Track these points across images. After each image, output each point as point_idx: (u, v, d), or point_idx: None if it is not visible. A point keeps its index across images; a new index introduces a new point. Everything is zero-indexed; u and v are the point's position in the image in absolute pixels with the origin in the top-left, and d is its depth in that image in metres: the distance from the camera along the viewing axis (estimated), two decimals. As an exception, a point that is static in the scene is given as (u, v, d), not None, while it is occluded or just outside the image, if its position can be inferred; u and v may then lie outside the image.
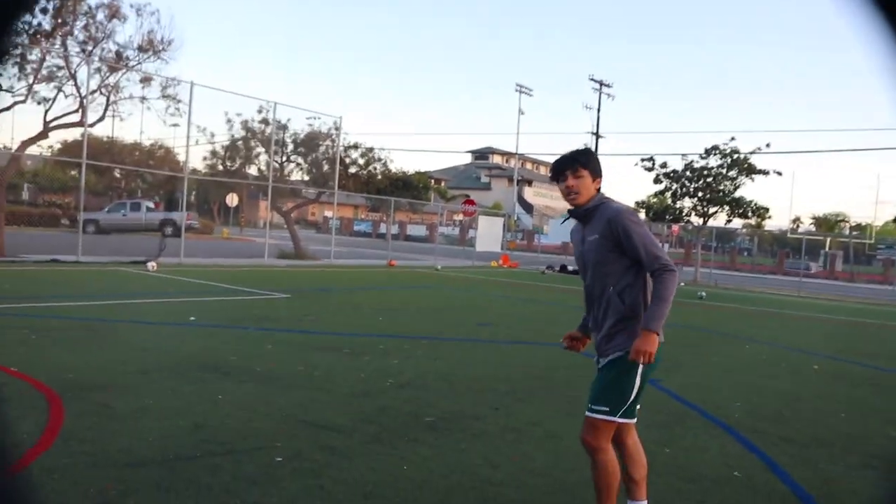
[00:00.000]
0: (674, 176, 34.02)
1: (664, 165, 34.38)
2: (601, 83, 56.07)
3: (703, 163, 33.59)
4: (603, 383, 3.61)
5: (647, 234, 3.56)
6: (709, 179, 33.16)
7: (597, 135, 55.55)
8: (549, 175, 3.86)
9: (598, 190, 3.72)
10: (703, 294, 23.56)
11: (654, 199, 38.52)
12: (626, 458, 3.82)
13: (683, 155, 36.33)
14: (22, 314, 9.99)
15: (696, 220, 34.73)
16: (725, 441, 6.05)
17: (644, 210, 39.85)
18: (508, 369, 8.47)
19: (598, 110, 56.14)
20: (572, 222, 3.89)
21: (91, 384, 6.30)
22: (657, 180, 34.58)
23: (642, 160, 34.71)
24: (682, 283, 30.26)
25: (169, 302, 12.76)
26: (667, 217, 35.58)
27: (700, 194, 33.45)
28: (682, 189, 33.94)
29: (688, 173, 33.62)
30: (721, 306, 21.00)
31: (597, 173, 3.69)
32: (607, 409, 3.58)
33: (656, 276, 3.50)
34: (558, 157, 3.75)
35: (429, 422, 5.90)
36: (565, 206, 3.74)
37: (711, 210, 33.59)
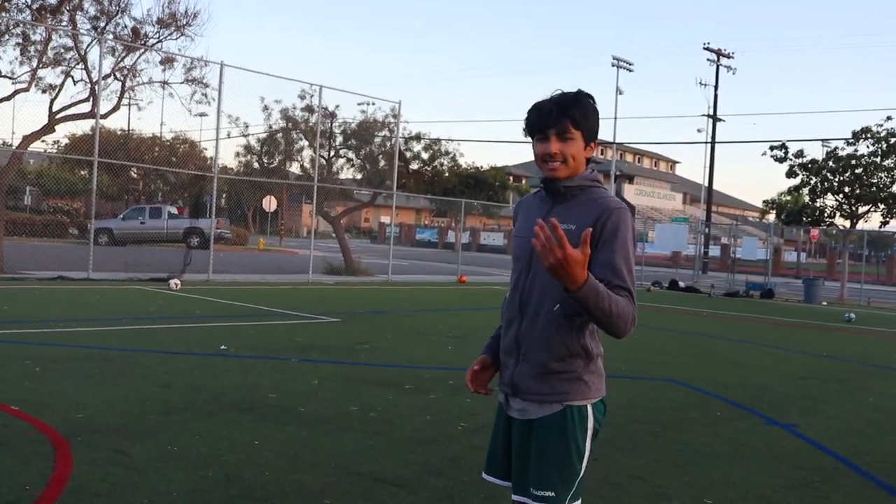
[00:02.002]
0: (813, 167, 33.35)
1: (800, 154, 33.75)
2: (718, 53, 55.35)
3: (850, 150, 32.86)
4: (543, 454, 3.02)
5: (632, 250, 2.99)
6: (858, 171, 32.38)
7: (714, 117, 54.83)
8: (524, 128, 3.17)
9: (590, 160, 3.15)
10: (852, 316, 22.98)
11: (788, 197, 37.80)
12: None
13: (824, 141, 35.59)
14: (24, 342, 10.27)
15: (842, 223, 33.94)
16: None
17: (774, 210, 39.13)
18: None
19: (716, 87, 55.44)
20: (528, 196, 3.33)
21: (105, 426, 6.42)
22: (791, 173, 33.95)
23: (772, 148, 34.15)
24: (825, 303, 29.62)
25: (196, 327, 12.99)
26: (804, 219, 34.83)
27: (847, 190, 32.71)
28: (823, 184, 33.26)
29: (830, 164, 32.93)
30: (876, 331, 20.43)
31: (592, 135, 3.08)
32: (552, 493, 2.99)
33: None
34: (538, 103, 3.10)
35: (510, 475, 5.85)
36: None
37: (861, 210, 32.80)
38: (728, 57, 55.88)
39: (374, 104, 29.39)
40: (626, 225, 2.97)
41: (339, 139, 29.62)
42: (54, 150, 44.12)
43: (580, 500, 3.04)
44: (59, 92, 20.58)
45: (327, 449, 6.21)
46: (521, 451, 3.11)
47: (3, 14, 19.79)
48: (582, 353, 3.02)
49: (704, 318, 20.18)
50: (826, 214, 34.00)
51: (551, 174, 3.07)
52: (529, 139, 3.13)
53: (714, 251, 60.05)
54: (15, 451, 5.62)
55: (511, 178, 75.60)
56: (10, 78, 20.14)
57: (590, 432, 3.05)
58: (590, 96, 3.09)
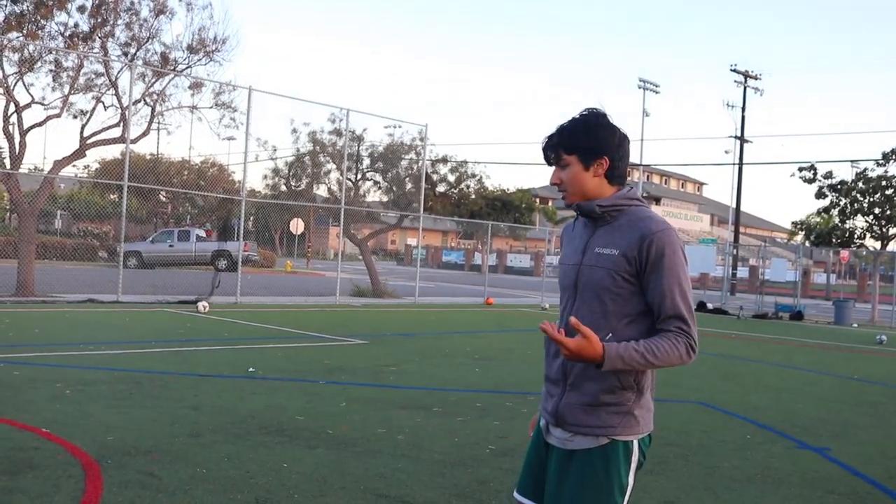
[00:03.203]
0: (842, 188, 33.09)
1: (829, 175, 33.51)
2: (746, 74, 55.18)
3: (880, 171, 32.58)
4: (583, 486, 2.92)
5: (683, 270, 2.91)
6: (889, 192, 32.10)
7: (741, 139, 54.61)
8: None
9: (614, 176, 3.03)
10: (884, 338, 22.73)
11: (817, 219, 37.47)
12: None
13: (854, 161, 35.39)
14: (55, 364, 10.36)
15: (873, 244, 33.61)
16: (921, 528, 5.77)
17: (803, 232, 38.89)
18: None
19: (743, 108, 55.22)
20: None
21: (134, 448, 6.46)
22: (820, 194, 33.70)
23: (800, 169, 33.92)
24: (855, 325, 29.33)
25: (224, 350, 13.05)
26: (833, 240, 34.54)
27: (877, 211, 32.40)
28: (853, 205, 32.97)
29: (860, 185, 32.65)
30: (908, 353, 20.18)
31: (592, 153, 2.99)
32: None
33: (669, 335, 2.88)
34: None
35: (539, 499, 5.83)
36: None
37: (892, 231, 32.48)
38: (755, 78, 55.68)
39: (400, 127, 29.56)
40: (671, 247, 2.89)
41: (367, 162, 29.77)
42: (85, 175, 44.60)
43: None
44: (90, 117, 20.85)
45: (355, 472, 6.21)
46: (557, 478, 2.99)
47: (37, 42, 20.09)
48: (634, 386, 2.94)
49: (733, 340, 20.03)
50: (856, 236, 33.72)
51: (564, 201, 3.11)
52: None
53: (742, 272, 59.69)
54: (46, 474, 5.66)
55: (538, 200, 75.54)
56: (42, 104, 20.42)
57: (633, 465, 2.95)
58: (590, 116, 3.03)
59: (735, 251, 48.17)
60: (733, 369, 14.29)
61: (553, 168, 3.09)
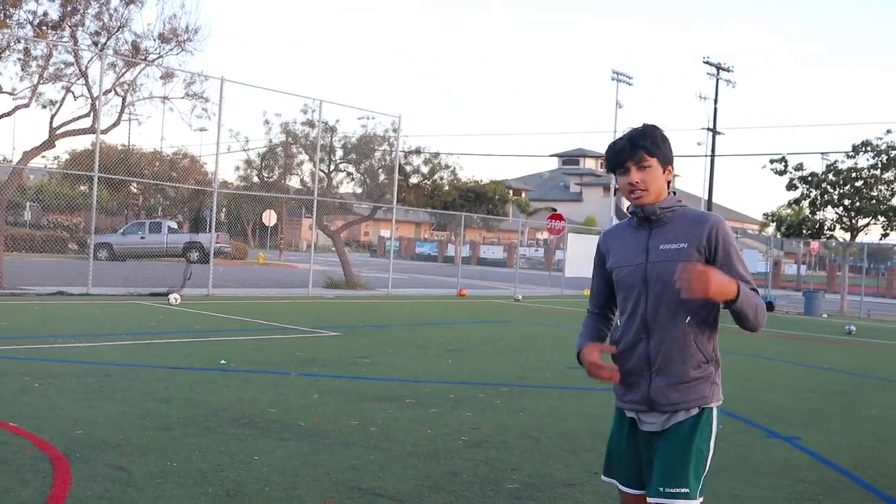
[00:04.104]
0: (812, 180, 33.36)
1: (800, 167, 33.76)
2: (718, 67, 55.45)
3: (850, 163, 32.88)
4: (679, 454, 3.25)
5: (744, 263, 3.34)
6: (858, 184, 32.40)
7: (714, 130, 54.92)
8: (605, 166, 3.59)
9: (671, 182, 3.45)
10: (853, 328, 22.95)
11: (788, 210, 37.77)
12: None
13: (824, 154, 35.64)
14: (23, 357, 10.26)
15: (842, 236, 33.91)
16: (890, 517, 5.82)
17: (774, 223, 39.17)
18: (606, 423, 8.30)
19: (715, 101, 55.50)
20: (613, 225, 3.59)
21: (104, 442, 6.40)
22: (791, 186, 33.96)
23: (772, 161, 34.15)
24: (825, 316, 29.60)
25: (195, 342, 12.97)
26: (804, 232, 34.81)
27: (846, 203, 32.69)
28: (823, 196, 33.24)
29: (830, 177, 32.94)
30: (876, 344, 20.41)
31: (667, 160, 3.39)
32: (687, 490, 3.23)
33: None
34: (613, 141, 3.44)
35: (511, 489, 5.84)
36: None
37: (861, 222, 32.79)
38: (728, 70, 55.96)
39: (374, 118, 29.50)
40: (730, 233, 3.32)
41: (339, 153, 29.68)
42: (54, 166, 44.14)
43: (703, 497, 3.30)
44: (59, 107, 20.59)
45: (327, 464, 6.18)
46: (655, 455, 3.30)
47: (5, 30, 19.83)
48: (714, 357, 3.34)
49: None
50: (826, 227, 33.99)
51: (638, 202, 3.37)
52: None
53: (714, 264, 59.91)
54: (13, 469, 5.59)
55: (511, 192, 75.60)
56: (10, 94, 20.16)
57: (714, 432, 3.31)
58: (657, 127, 3.41)
59: (707, 242, 48.35)
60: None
61: (629, 173, 3.34)
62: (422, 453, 6.67)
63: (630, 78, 63.29)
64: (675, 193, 3.43)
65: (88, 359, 10.46)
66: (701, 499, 3.28)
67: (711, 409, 3.31)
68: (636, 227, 3.44)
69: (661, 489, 3.22)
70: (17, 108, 20.22)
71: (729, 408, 9.52)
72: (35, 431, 6.56)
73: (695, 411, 3.28)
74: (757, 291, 3.28)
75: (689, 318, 3.26)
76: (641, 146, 3.33)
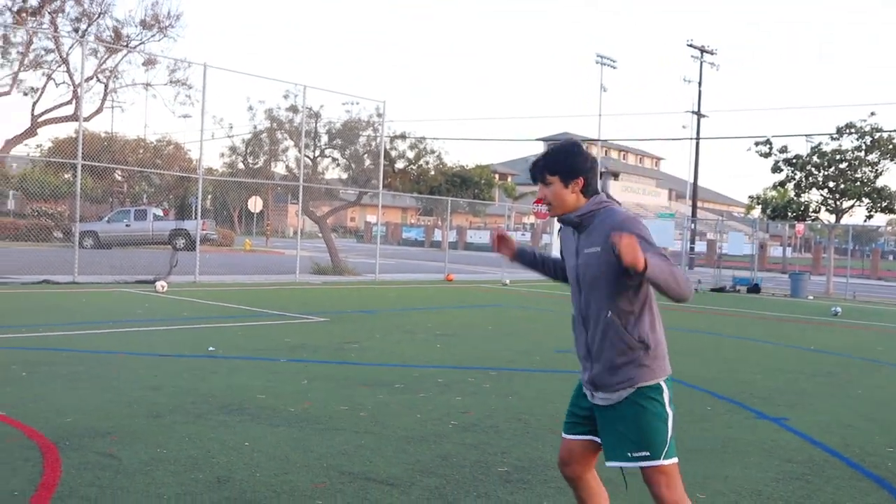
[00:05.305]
0: (797, 162, 33.43)
1: (784, 150, 33.81)
2: (702, 50, 55.56)
3: (834, 145, 32.96)
4: (632, 425, 3.70)
5: (657, 247, 3.62)
6: (842, 166, 32.50)
7: (698, 114, 55.03)
8: None
9: (587, 191, 3.79)
10: (839, 310, 23.07)
11: (773, 193, 37.88)
12: (589, 494, 4.05)
13: (809, 136, 35.81)
14: (9, 347, 10.22)
15: (827, 218, 34.04)
16: (880, 499, 5.86)
17: (759, 206, 39.29)
18: (598, 407, 8.37)
19: (700, 83, 55.64)
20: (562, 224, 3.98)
21: (93, 430, 6.39)
22: (776, 168, 34.03)
23: (756, 144, 34.19)
24: (811, 297, 29.77)
25: (183, 329, 12.94)
26: (789, 214, 34.94)
27: (831, 185, 32.80)
28: (807, 179, 33.33)
29: (815, 159, 33.01)
30: (862, 325, 20.52)
31: (571, 174, 3.76)
32: (648, 452, 3.68)
33: None
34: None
35: (501, 472, 5.86)
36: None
37: (846, 204, 32.91)
38: (711, 53, 56.08)
39: (358, 104, 29.47)
40: (637, 228, 3.60)
41: (325, 139, 29.60)
42: (37, 154, 43.86)
43: (676, 458, 3.72)
44: (40, 95, 20.56)
45: (318, 449, 6.19)
46: (611, 428, 3.75)
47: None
48: (639, 344, 3.69)
49: (691, 314, 20.22)
50: (811, 209, 34.08)
51: (549, 213, 3.89)
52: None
53: (700, 247, 60.26)
54: (2, 458, 5.58)
55: (497, 177, 75.60)
56: (-9, 81, 20.03)
57: (666, 398, 3.72)
58: (570, 144, 3.87)
59: (693, 225, 48.64)
60: (692, 342, 14.43)
61: (539, 186, 3.83)
62: (412, 438, 6.69)
63: (614, 61, 63.32)
64: (599, 195, 3.81)
65: (76, 347, 10.43)
66: (669, 461, 3.69)
67: (652, 384, 3.69)
68: (572, 232, 3.89)
69: (623, 454, 3.70)
70: (-2, 95, 20.11)
71: (717, 389, 9.61)
72: (23, 420, 6.55)
73: (631, 390, 3.68)
74: (669, 261, 3.55)
75: (609, 312, 3.70)
76: (543, 166, 3.83)
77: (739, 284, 32.62)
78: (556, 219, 3.89)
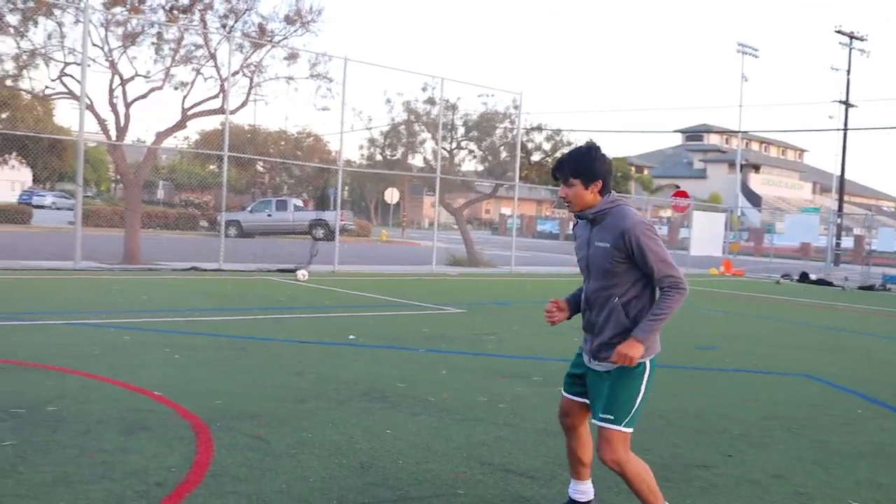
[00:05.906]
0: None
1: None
2: (851, 36, 53.43)
3: None
4: (610, 391, 4.31)
5: (662, 249, 4.20)
6: None
7: (846, 103, 52.99)
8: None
9: (604, 191, 4.31)
10: None
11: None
12: (579, 443, 4.65)
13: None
14: (163, 329, 10.67)
15: None
16: None
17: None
18: (738, 405, 8.19)
19: (848, 72, 53.53)
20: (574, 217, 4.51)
21: (241, 412, 6.62)
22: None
23: (910, 136, 32.69)
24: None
25: (324, 317, 13.26)
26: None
27: None
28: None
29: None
30: None
31: (591, 178, 4.26)
32: (612, 417, 4.26)
33: (664, 291, 4.21)
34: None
35: (643, 469, 5.79)
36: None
37: None
38: (861, 40, 53.89)
39: (494, 96, 29.54)
40: (643, 232, 4.17)
41: (461, 131, 29.76)
42: (186, 146, 45.59)
43: (632, 429, 4.33)
44: (190, 89, 21.24)
45: (458, 439, 6.25)
46: (600, 389, 4.38)
47: (139, 16, 20.53)
48: (633, 326, 4.27)
49: (839, 312, 19.52)
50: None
51: (570, 210, 4.42)
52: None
53: (847, 242, 58.01)
54: (160, 435, 5.84)
55: (633, 169, 74.58)
56: (145, 77, 20.88)
57: (646, 376, 4.33)
58: (591, 148, 4.37)
59: (839, 220, 46.86)
60: (840, 342, 13.93)
61: (561, 186, 4.36)
62: (551, 431, 6.66)
63: (756, 50, 61.70)
64: (611, 194, 4.34)
65: (223, 332, 10.81)
66: (629, 429, 4.30)
67: (640, 362, 4.27)
68: (586, 225, 4.44)
69: (597, 414, 4.34)
70: (151, 90, 20.93)
71: (868, 391, 9.25)
72: (178, 400, 6.83)
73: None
74: (675, 278, 4.18)
75: (616, 299, 4.31)
76: (567, 168, 4.31)
77: (890, 283, 31.18)
78: (575, 216, 4.44)
